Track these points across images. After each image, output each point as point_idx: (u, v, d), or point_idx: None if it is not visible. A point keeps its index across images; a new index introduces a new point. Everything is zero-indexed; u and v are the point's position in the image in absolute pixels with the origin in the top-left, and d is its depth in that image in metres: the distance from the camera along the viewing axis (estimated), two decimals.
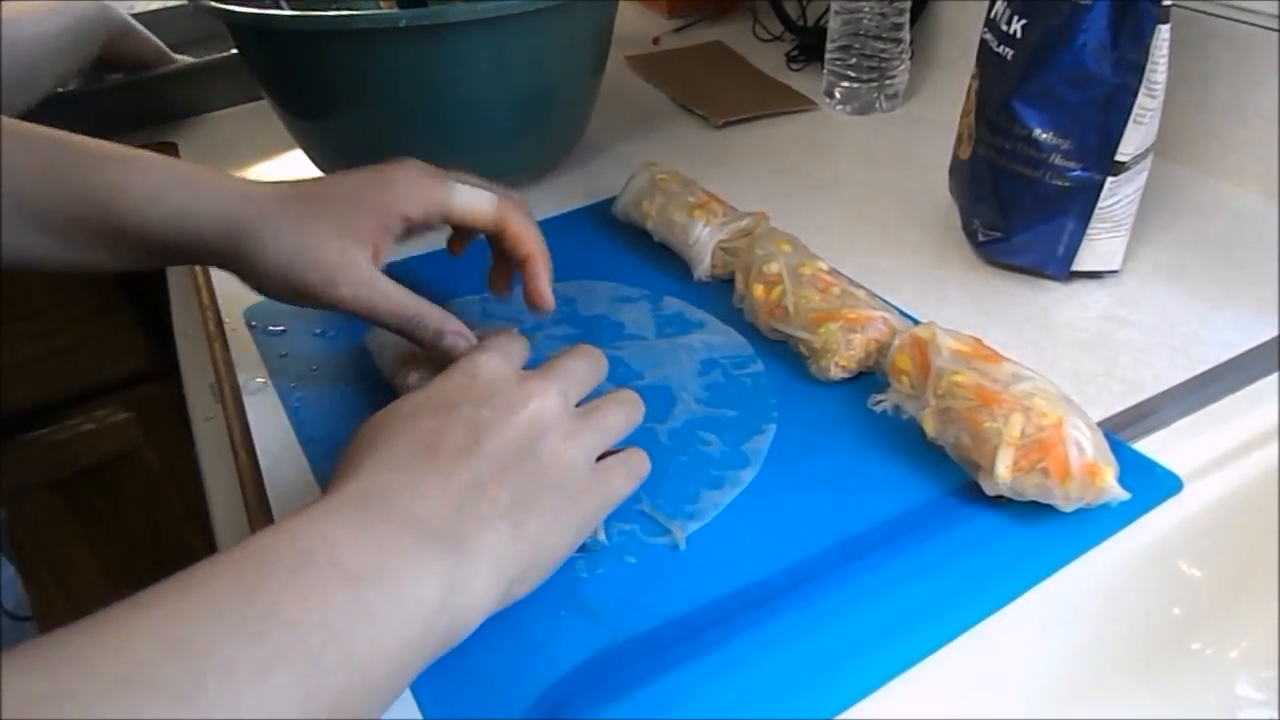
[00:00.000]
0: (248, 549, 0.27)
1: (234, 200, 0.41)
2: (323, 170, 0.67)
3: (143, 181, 0.41)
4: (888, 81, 0.73)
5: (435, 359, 0.43)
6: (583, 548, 0.38)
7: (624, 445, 0.38)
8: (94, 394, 0.91)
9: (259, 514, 0.41)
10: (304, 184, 0.43)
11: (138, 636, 0.24)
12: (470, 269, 0.56)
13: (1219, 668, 0.41)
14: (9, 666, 0.22)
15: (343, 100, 0.59)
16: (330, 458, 0.43)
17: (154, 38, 0.81)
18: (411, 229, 0.43)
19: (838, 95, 0.75)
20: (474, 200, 0.43)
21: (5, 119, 0.40)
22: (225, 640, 0.24)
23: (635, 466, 0.38)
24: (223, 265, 0.42)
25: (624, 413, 0.38)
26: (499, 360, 0.36)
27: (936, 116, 0.71)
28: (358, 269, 0.41)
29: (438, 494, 0.31)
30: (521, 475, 0.33)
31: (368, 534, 0.29)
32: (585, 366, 0.38)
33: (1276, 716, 0.40)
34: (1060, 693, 0.38)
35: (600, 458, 0.37)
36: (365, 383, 0.48)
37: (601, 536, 0.38)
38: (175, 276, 0.68)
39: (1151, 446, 0.41)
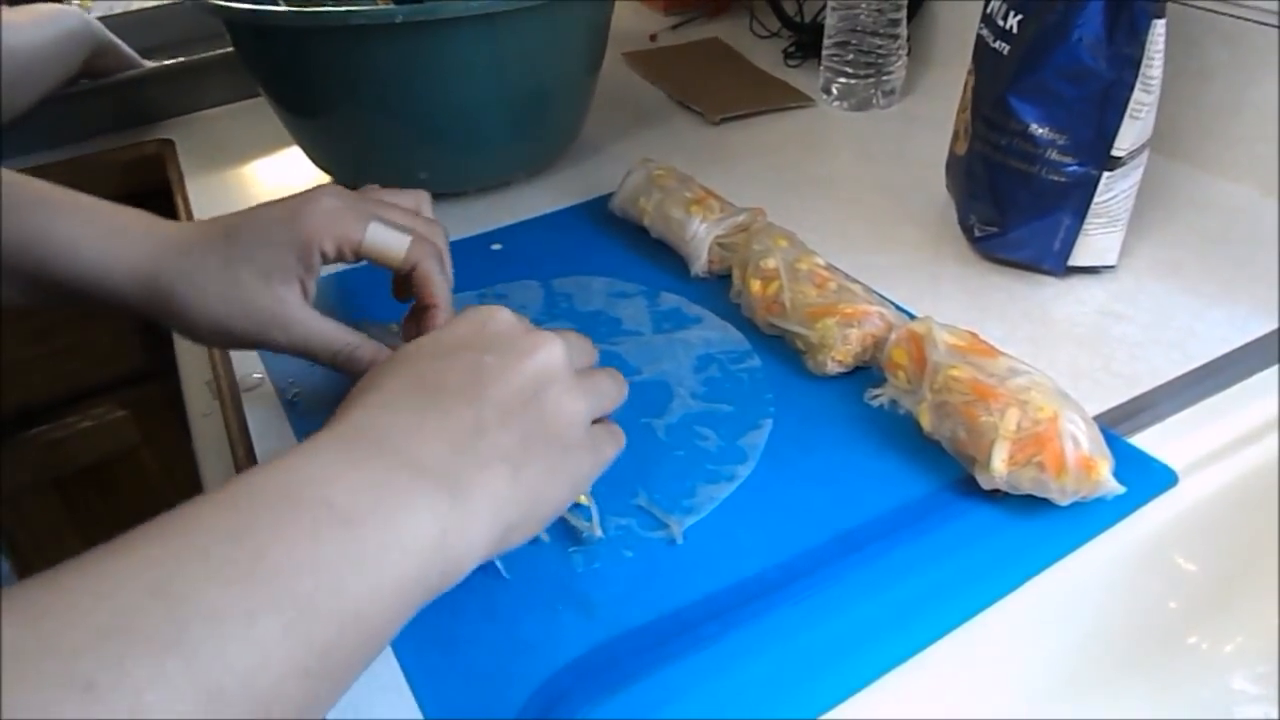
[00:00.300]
0: (234, 489, 0.26)
1: (154, 251, 0.41)
2: (320, 166, 0.67)
3: (65, 228, 0.40)
4: (884, 78, 0.73)
5: None
6: (579, 540, 0.38)
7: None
8: (91, 392, 0.90)
9: None
10: (221, 224, 0.42)
11: (120, 582, 0.23)
12: (467, 268, 0.56)
13: (1215, 662, 0.41)
14: None
15: (339, 97, 0.59)
16: None
17: (131, 51, 0.82)
18: (327, 261, 0.42)
19: (835, 91, 0.75)
20: (385, 242, 0.42)
21: None
22: (210, 585, 0.23)
23: (617, 436, 0.38)
24: (149, 318, 0.42)
25: (615, 385, 0.38)
26: (508, 312, 0.35)
27: (933, 113, 0.71)
28: (290, 311, 0.41)
29: (436, 432, 0.30)
30: (524, 422, 0.32)
31: (361, 472, 0.28)
32: (581, 344, 0.38)
33: (1274, 713, 0.40)
34: (1056, 686, 0.38)
35: None
36: None
37: (598, 532, 0.38)
38: None
39: (1147, 441, 0.41)
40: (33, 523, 0.92)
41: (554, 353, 0.34)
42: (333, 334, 0.42)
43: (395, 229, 0.42)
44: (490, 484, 0.31)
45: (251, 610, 0.23)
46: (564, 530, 0.39)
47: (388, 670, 0.34)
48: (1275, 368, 0.45)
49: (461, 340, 0.34)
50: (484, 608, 0.34)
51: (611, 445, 0.37)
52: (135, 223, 0.42)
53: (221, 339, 0.42)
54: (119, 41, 0.80)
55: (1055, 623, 0.37)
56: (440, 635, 0.34)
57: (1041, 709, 0.37)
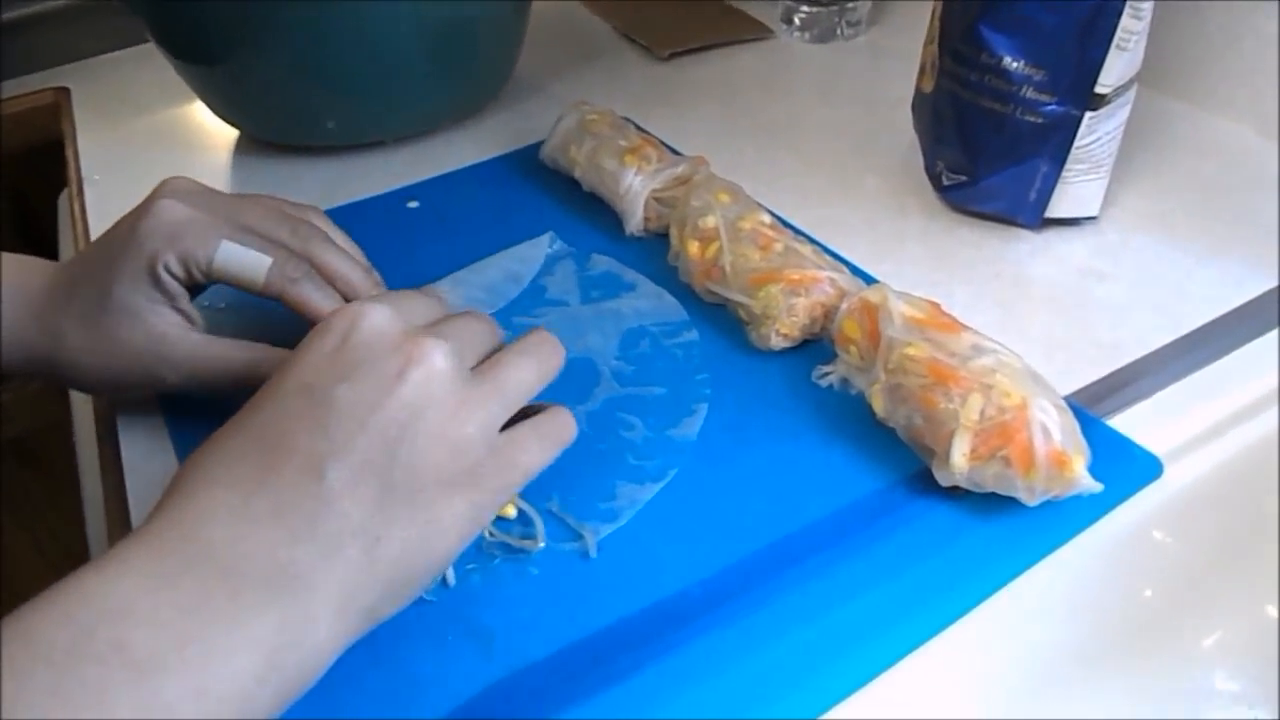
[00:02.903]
0: (8, 638, 0.22)
1: (29, 319, 0.37)
2: (222, 118, 0.60)
3: None
4: (849, 6, 0.68)
5: None
6: (514, 553, 0.33)
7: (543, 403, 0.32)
8: None
9: (117, 514, 0.37)
10: (67, 271, 0.38)
11: None
12: (377, 230, 0.51)
13: (1196, 657, 0.38)
14: None
15: (234, 42, 0.52)
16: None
17: None
18: (181, 281, 0.36)
19: (796, 22, 0.69)
20: (241, 263, 0.36)
21: None
22: None
23: (554, 431, 0.31)
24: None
25: (533, 365, 0.31)
26: (381, 315, 0.29)
27: (903, 45, 0.65)
28: (173, 347, 0.36)
29: (267, 518, 0.25)
30: (387, 474, 0.27)
31: (169, 594, 0.24)
32: (480, 328, 0.32)
33: (1255, 709, 0.37)
34: (1032, 684, 0.34)
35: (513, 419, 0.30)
36: None
37: (540, 543, 0.33)
38: (66, 241, 0.62)
39: (1130, 421, 0.37)
40: None
41: (432, 366, 0.28)
42: (230, 355, 0.37)
43: (255, 246, 0.36)
44: (337, 573, 0.26)
45: None
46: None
47: None
48: (1274, 332, 0.40)
49: (315, 368, 0.28)
50: (364, 641, 0.29)
51: (538, 450, 0.30)
52: (12, 287, 0.37)
53: (117, 392, 0.39)
54: None
55: (1028, 620, 0.33)
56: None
57: (1020, 708, 0.33)
